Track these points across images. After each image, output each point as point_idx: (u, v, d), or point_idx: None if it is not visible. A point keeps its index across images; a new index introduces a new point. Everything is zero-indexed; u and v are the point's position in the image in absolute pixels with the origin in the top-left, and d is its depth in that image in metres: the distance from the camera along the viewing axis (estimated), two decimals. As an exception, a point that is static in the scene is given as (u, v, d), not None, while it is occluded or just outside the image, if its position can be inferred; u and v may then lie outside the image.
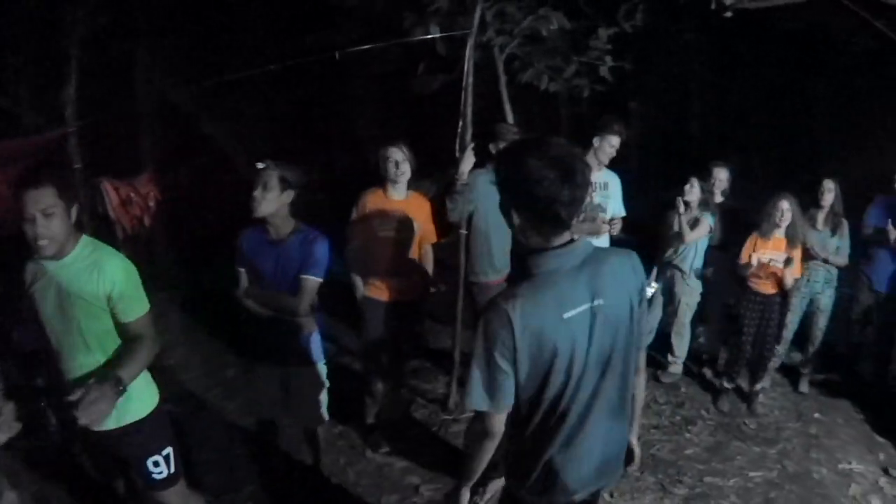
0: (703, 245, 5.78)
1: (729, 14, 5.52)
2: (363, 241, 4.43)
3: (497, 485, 2.99)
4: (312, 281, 3.56)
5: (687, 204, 5.60)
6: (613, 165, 5.37)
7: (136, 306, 2.88)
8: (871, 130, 8.86)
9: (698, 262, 5.80)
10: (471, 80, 4.70)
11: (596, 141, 5.15)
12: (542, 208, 2.06)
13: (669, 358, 6.03)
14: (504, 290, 2.18)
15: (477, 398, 2.15)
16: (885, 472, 4.95)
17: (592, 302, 2.14)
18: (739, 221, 5.75)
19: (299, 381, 3.85)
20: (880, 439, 5.41)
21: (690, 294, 5.86)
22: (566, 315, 2.10)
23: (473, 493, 2.57)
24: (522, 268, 2.17)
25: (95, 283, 2.77)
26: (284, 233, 3.58)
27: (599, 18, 6.02)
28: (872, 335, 6.09)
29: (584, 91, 6.16)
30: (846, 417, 5.74)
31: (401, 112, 8.75)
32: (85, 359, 2.89)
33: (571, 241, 2.16)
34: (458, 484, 2.47)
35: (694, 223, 5.61)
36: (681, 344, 5.97)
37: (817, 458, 5.08)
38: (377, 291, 4.48)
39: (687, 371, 6.20)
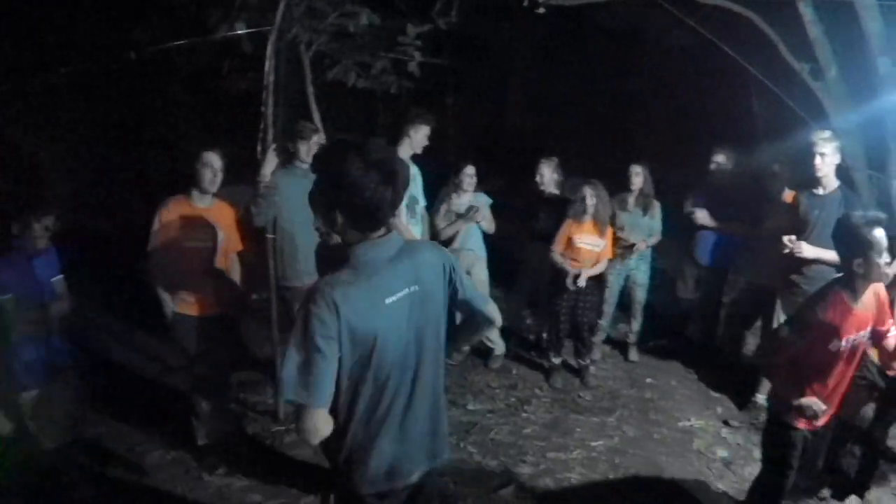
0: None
1: (542, 10, 5.65)
2: (167, 253, 4.18)
3: None
4: None
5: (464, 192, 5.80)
6: (431, 161, 5.40)
7: None
8: (685, 121, 9.42)
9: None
10: (272, 78, 4.53)
11: (412, 132, 5.14)
12: (367, 209, 2.15)
13: (489, 343, 6.09)
14: (326, 277, 2.20)
15: (290, 388, 2.12)
16: (726, 423, 5.27)
17: (410, 288, 2.27)
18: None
19: None
20: (715, 394, 5.76)
21: (486, 274, 6.00)
22: (388, 300, 2.22)
23: None
24: (342, 258, 2.24)
25: None
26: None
27: (413, 15, 6.00)
28: (699, 302, 6.44)
29: (393, 87, 6.12)
30: (679, 379, 6.07)
31: (216, 113, 8.41)
32: None
33: (387, 232, 2.28)
34: None
35: (469, 210, 5.77)
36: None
37: (656, 419, 5.33)
38: (187, 306, 4.24)
39: (516, 353, 6.34)
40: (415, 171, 5.30)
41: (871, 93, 5.76)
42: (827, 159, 4.73)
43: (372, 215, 2.18)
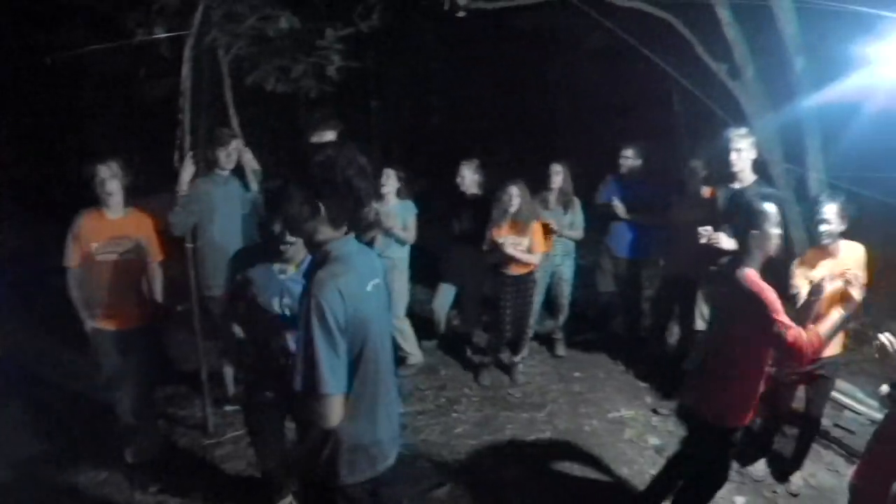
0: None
1: (462, 14, 5.67)
2: (83, 267, 4.07)
3: None
4: None
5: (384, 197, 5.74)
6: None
7: None
8: (605, 120, 9.63)
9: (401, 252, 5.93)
10: (189, 84, 4.44)
11: (316, 138, 5.09)
12: (355, 202, 2.34)
13: (401, 350, 5.97)
14: (323, 271, 2.31)
15: (329, 382, 2.22)
16: (655, 412, 5.40)
17: (376, 280, 2.49)
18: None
19: None
20: (643, 384, 5.90)
21: (403, 282, 5.95)
22: (368, 288, 2.41)
23: None
24: (321, 255, 2.40)
25: None
26: None
27: (335, 18, 5.96)
28: (621, 295, 6.61)
29: (312, 92, 6.08)
30: (606, 371, 6.21)
31: (132, 120, 8.20)
32: None
33: (349, 233, 2.46)
34: None
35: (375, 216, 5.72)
36: (406, 331, 6.02)
37: (586, 412, 5.43)
38: (106, 321, 4.13)
39: (444, 354, 6.39)
40: None
41: (788, 91, 6.02)
42: (743, 155, 4.91)
43: (352, 203, 2.34)
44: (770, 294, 3.16)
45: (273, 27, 5.30)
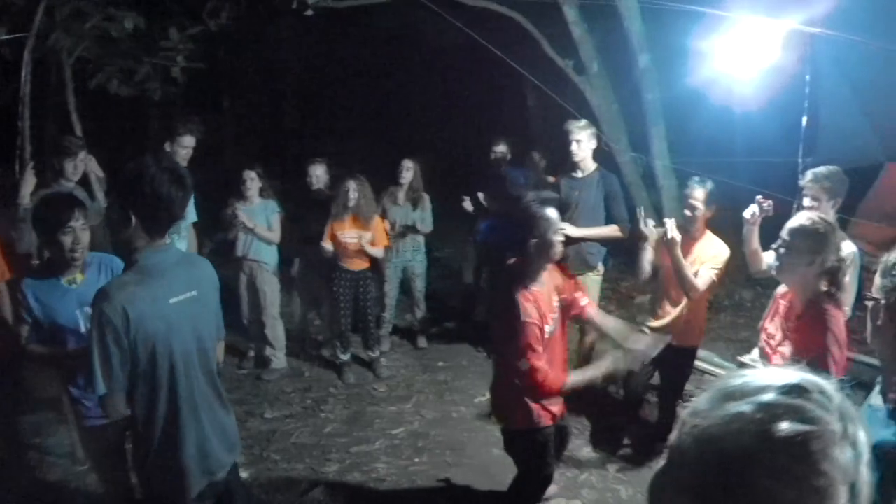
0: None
1: (310, 13, 5.66)
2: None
3: None
4: None
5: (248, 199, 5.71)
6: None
7: None
8: (460, 116, 9.88)
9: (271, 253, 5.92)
10: (28, 89, 4.18)
11: (167, 145, 4.97)
12: (159, 207, 2.41)
13: (268, 351, 6.03)
14: (115, 280, 2.52)
15: (99, 384, 2.37)
16: None
17: (191, 293, 2.57)
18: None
19: None
20: None
21: (272, 284, 5.93)
22: (172, 300, 2.49)
23: None
24: (130, 262, 2.56)
25: None
26: None
27: (184, 17, 5.76)
28: (483, 285, 6.79)
29: (156, 94, 5.86)
30: (469, 358, 6.42)
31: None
32: None
33: (169, 242, 2.60)
34: None
35: (232, 217, 5.69)
36: (278, 335, 6.03)
37: (452, 399, 5.62)
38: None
39: (307, 355, 6.41)
40: None
41: (633, 85, 6.51)
42: (583, 145, 5.15)
43: (163, 213, 2.44)
44: (529, 310, 3.14)
45: (117, 28, 5.05)
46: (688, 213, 4.31)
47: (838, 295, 2.89)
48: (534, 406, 3.36)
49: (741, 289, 7.55)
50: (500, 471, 4.53)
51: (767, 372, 0.92)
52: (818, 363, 2.65)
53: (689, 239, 4.30)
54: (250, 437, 4.97)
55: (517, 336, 3.15)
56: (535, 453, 3.53)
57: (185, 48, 5.74)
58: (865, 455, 0.87)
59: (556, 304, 3.41)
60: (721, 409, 0.87)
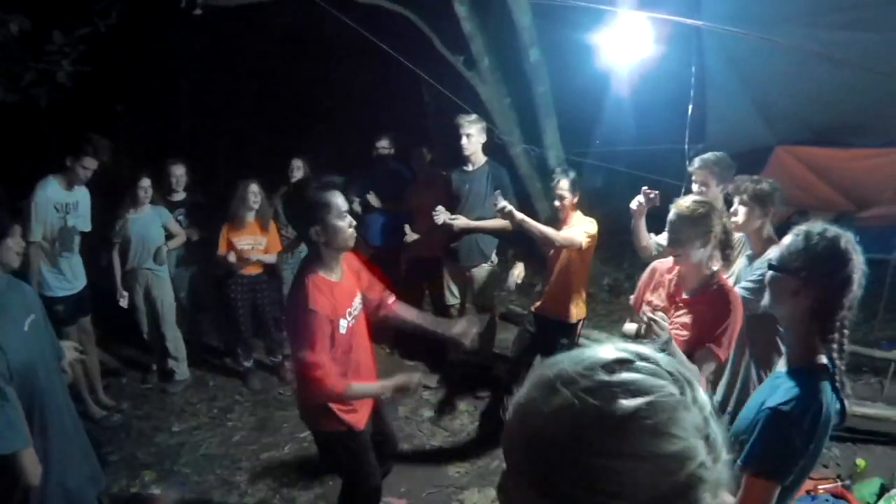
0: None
1: (199, 11, 5.52)
2: None
3: None
4: None
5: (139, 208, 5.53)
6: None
7: None
8: (357, 114, 9.84)
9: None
10: None
11: (69, 161, 4.79)
12: None
13: (170, 364, 5.91)
14: None
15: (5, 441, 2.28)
16: (425, 387, 5.59)
17: (32, 316, 2.47)
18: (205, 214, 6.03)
19: None
20: (410, 363, 6.17)
21: (168, 293, 5.80)
22: (25, 326, 2.44)
23: None
24: None
25: None
26: None
27: (73, 17, 5.52)
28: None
29: (42, 100, 5.61)
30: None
31: None
32: None
33: None
34: None
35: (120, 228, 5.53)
36: (178, 346, 5.92)
37: (350, 398, 5.62)
38: None
39: (211, 364, 6.33)
40: (80, 197, 4.98)
41: (524, 79, 6.66)
42: (473, 139, 5.25)
43: None
44: (320, 304, 2.92)
45: (3, 31, 4.82)
46: (556, 203, 4.62)
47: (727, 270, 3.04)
48: (334, 407, 3.16)
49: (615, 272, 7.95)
50: (413, 462, 4.67)
51: (578, 353, 0.88)
52: (715, 342, 2.84)
53: (562, 225, 4.58)
54: (159, 452, 4.92)
55: (301, 325, 2.93)
56: (349, 459, 3.33)
57: (72, 51, 5.48)
58: (708, 406, 0.85)
59: (357, 300, 3.25)
60: (547, 402, 0.84)
